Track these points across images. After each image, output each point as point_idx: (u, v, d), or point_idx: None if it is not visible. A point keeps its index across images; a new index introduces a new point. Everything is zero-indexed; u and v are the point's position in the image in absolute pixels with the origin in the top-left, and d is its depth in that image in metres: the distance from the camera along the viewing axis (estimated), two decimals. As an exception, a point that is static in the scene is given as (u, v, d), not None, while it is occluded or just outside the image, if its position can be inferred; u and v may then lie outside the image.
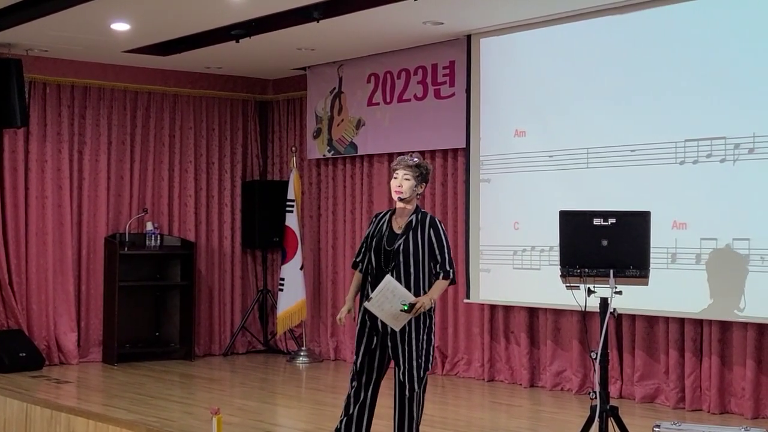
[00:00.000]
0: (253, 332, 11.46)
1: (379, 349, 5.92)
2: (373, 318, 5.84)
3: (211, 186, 11.31)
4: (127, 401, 8.14)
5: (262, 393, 8.84)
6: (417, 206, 5.96)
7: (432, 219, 5.93)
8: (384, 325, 5.81)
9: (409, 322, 5.78)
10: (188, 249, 10.82)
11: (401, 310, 5.66)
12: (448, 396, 8.71)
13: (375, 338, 5.90)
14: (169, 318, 10.92)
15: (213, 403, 7.28)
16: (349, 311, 6.00)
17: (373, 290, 5.76)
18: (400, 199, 5.90)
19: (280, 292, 10.74)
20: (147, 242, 10.68)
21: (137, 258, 10.69)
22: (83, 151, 10.54)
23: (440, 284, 5.85)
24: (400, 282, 5.76)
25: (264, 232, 11.21)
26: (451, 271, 5.85)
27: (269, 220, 11.15)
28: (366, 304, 5.78)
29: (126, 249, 10.48)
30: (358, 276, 6.05)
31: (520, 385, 8.97)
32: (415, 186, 5.89)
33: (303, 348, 10.78)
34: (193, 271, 10.76)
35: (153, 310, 10.98)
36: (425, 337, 5.85)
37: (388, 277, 5.75)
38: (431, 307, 5.85)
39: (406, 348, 5.80)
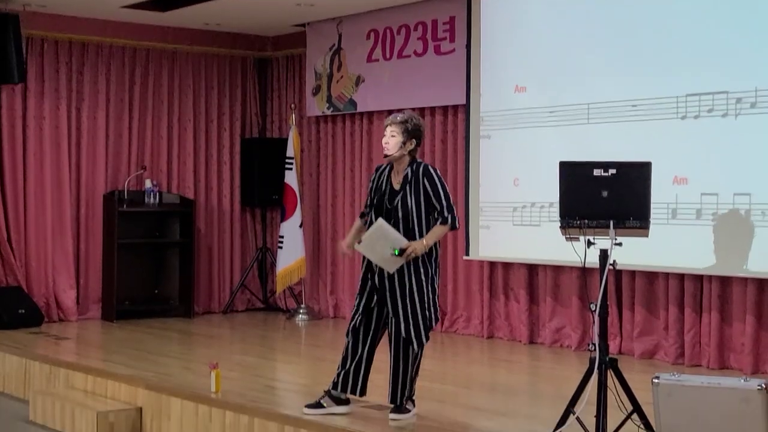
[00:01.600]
0: (252, 290, 11.46)
1: (377, 307, 5.90)
2: (375, 274, 5.82)
3: (210, 143, 11.26)
4: (126, 357, 8.14)
5: (261, 349, 8.85)
6: (414, 158, 5.90)
7: (426, 168, 5.87)
8: (383, 280, 5.77)
9: (410, 277, 5.75)
10: (187, 207, 10.79)
11: (392, 254, 5.64)
12: (447, 353, 8.72)
13: (375, 296, 5.87)
14: (168, 276, 10.91)
15: (212, 359, 7.27)
16: (348, 246, 5.98)
17: None
18: (387, 156, 5.85)
19: (279, 250, 10.72)
20: (146, 200, 10.64)
21: (136, 216, 10.66)
22: (81, 108, 10.48)
23: (438, 229, 5.80)
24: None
25: (263, 190, 11.18)
26: (450, 216, 5.79)
27: (268, 177, 11.10)
28: (357, 246, 5.77)
29: (125, 206, 10.45)
30: (359, 222, 6.04)
31: (520, 341, 8.97)
32: (403, 142, 5.82)
33: (302, 305, 10.78)
34: (192, 228, 10.74)
35: (152, 268, 10.96)
36: (430, 288, 5.81)
37: (380, 220, 5.73)
38: (434, 257, 5.83)
39: (408, 303, 5.76)
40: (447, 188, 5.87)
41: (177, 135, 11.03)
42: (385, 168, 5.97)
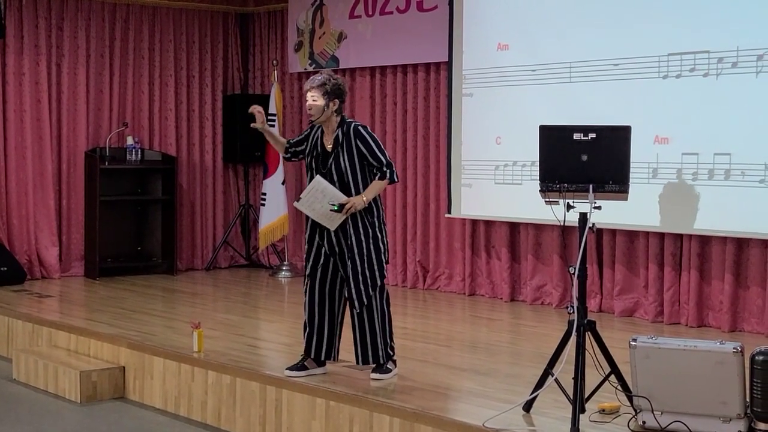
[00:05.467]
0: (235, 247, 11.47)
1: (331, 271, 5.94)
2: (325, 240, 5.85)
3: (191, 100, 11.20)
4: (109, 315, 8.16)
5: (243, 308, 8.87)
6: (342, 117, 5.90)
7: (356, 129, 5.86)
8: (340, 244, 5.81)
9: (353, 238, 5.79)
10: (169, 163, 10.75)
11: (331, 210, 5.70)
12: (429, 310, 8.77)
13: (322, 260, 5.90)
14: (151, 232, 10.90)
15: (195, 318, 7.31)
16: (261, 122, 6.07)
17: None
18: (312, 122, 5.88)
19: (262, 207, 10.72)
20: (127, 157, 10.60)
21: (118, 172, 10.62)
22: (62, 64, 10.40)
23: (377, 184, 5.84)
24: None
25: (245, 147, 11.14)
26: (389, 170, 5.84)
27: (251, 134, 10.98)
28: (296, 203, 5.83)
29: (106, 163, 10.40)
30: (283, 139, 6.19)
31: (501, 299, 9.03)
32: (326, 105, 5.81)
33: (285, 262, 10.80)
34: (174, 185, 10.71)
35: (134, 225, 10.95)
36: (373, 247, 5.84)
37: (318, 177, 5.79)
38: (376, 214, 5.87)
39: (349, 264, 5.82)
40: (380, 143, 5.90)
41: (158, 91, 10.96)
42: (319, 127, 5.96)
